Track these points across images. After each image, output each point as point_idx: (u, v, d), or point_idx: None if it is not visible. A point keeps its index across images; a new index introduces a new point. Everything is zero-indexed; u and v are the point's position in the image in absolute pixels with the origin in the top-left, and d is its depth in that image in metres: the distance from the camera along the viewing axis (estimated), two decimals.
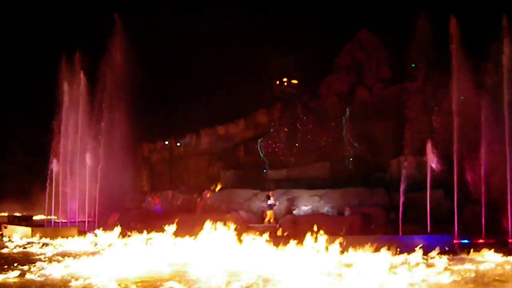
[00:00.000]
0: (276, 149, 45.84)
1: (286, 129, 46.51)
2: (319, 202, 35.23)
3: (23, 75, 73.17)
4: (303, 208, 35.32)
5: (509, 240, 26.34)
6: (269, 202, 34.44)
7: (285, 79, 58.90)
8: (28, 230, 33.07)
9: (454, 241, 25.22)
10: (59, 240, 29.35)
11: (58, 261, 19.51)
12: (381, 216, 31.38)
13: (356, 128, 42.22)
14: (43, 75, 57.67)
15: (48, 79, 42.01)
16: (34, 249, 25.58)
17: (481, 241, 26.36)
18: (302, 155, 44.33)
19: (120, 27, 39.88)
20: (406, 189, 28.71)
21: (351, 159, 41.19)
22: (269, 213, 34.24)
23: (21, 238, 31.16)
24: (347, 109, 43.75)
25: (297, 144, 45.00)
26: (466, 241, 26.12)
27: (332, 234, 24.61)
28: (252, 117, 53.87)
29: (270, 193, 35.28)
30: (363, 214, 31.45)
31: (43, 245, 27.58)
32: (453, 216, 27.21)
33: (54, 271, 17.08)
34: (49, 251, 23.58)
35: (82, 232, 32.12)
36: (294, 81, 58.01)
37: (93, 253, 21.77)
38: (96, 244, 26.88)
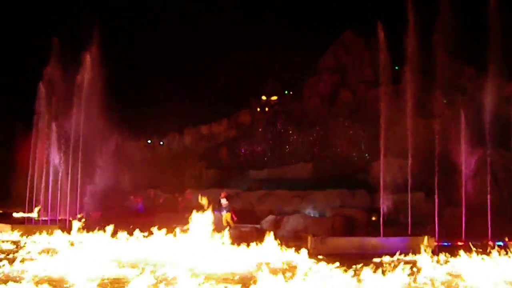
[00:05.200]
0: (257, 149, 45.93)
1: (268, 134, 46.61)
2: (300, 203, 35.17)
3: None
4: (285, 209, 35.23)
5: (488, 242, 26.50)
6: (222, 203, 29.82)
7: (264, 98, 58.16)
8: (7, 227, 32.76)
9: (435, 243, 25.28)
10: (39, 238, 29.02)
11: (32, 260, 19.24)
12: (363, 218, 31.50)
13: (338, 130, 42.28)
14: (23, 69, 57.37)
15: (28, 73, 41.63)
16: (9, 246, 25.26)
17: (461, 243, 26.49)
18: (284, 156, 44.36)
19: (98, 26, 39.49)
20: (387, 191, 28.78)
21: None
22: (224, 216, 29.59)
23: None
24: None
25: (274, 145, 45.09)
26: (446, 243, 26.23)
27: (314, 235, 24.73)
28: (235, 117, 53.95)
29: (222, 194, 30.61)
30: (344, 215, 31.53)
31: (20, 241, 27.26)
32: (434, 218, 27.32)
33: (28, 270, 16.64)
34: (26, 249, 23.26)
35: (62, 230, 31.78)
36: (274, 98, 57.26)
37: (71, 252, 21.51)
38: (72, 243, 26.50)
